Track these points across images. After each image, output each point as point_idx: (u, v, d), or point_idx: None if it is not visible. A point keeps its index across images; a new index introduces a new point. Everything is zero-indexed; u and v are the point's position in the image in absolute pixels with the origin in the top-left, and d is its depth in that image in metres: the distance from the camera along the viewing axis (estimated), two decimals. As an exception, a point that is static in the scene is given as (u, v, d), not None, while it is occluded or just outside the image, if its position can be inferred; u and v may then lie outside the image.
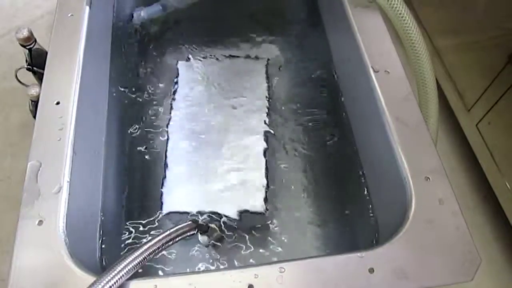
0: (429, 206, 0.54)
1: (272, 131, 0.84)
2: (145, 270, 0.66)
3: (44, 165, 0.56)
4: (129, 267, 0.48)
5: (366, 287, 0.48)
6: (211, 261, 0.71)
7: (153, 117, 0.86)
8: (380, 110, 0.63)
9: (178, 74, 0.92)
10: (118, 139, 0.79)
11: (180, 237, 0.58)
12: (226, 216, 0.73)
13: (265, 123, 0.84)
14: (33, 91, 0.81)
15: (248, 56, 0.97)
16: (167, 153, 0.80)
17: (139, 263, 0.49)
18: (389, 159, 0.60)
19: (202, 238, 0.69)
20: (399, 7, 0.69)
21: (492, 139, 1.01)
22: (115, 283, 0.46)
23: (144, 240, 0.70)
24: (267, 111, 0.86)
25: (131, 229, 0.72)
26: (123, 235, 0.71)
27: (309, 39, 0.99)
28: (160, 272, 0.69)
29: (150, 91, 0.90)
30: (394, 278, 0.49)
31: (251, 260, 0.71)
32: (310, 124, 0.87)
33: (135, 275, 0.48)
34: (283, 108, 0.89)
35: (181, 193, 0.76)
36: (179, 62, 0.95)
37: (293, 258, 0.51)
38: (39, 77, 0.88)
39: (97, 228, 0.64)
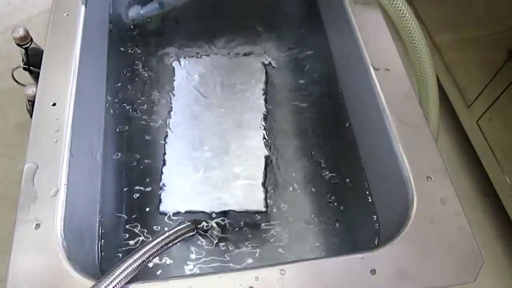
0: (431, 206, 0.54)
1: (271, 130, 0.83)
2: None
3: (41, 167, 0.55)
4: (128, 271, 0.47)
5: (367, 288, 0.48)
6: (210, 261, 0.70)
7: (151, 117, 0.85)
8: (380, 109, 0.62)
9: (175, 72, 0.92)
10: (115, 140, 0.78)
11: (179, 239, 0.57)
12: (226, 215, 0.73)
13: (263, 121, 0.84)
14: (30, 90, 0.80)
15: (246, 54, 0.96)
16: (166, 154, 0.79)
17: (138, 266, 0.48)
18: (390, 159, 0.59)
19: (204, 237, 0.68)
20: (399, 3, 0.69)
21: (492, 135, 1.00)
22: (114, 287, 0.45)
23: (143, 243, 0.70)
24: (265, 110, 0.86)
25: (130, 231, 0.71)
26: (122, 238, 0.70)
27: (309, 36, 0.98)
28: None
29: (147, 90, 0.89)
30: (396, 279, 0.49)
31: (251, 261, 0.70)
32: (309, 121, 0.86)
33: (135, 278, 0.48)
34: (282, 106, 0.89)
35: (180, 194, 0.75)
36: (177, 60, 0.94)
37: (293, 259, 0.50)
38: (36, 77, 0.87)
39: (96, 231, 0.63)
